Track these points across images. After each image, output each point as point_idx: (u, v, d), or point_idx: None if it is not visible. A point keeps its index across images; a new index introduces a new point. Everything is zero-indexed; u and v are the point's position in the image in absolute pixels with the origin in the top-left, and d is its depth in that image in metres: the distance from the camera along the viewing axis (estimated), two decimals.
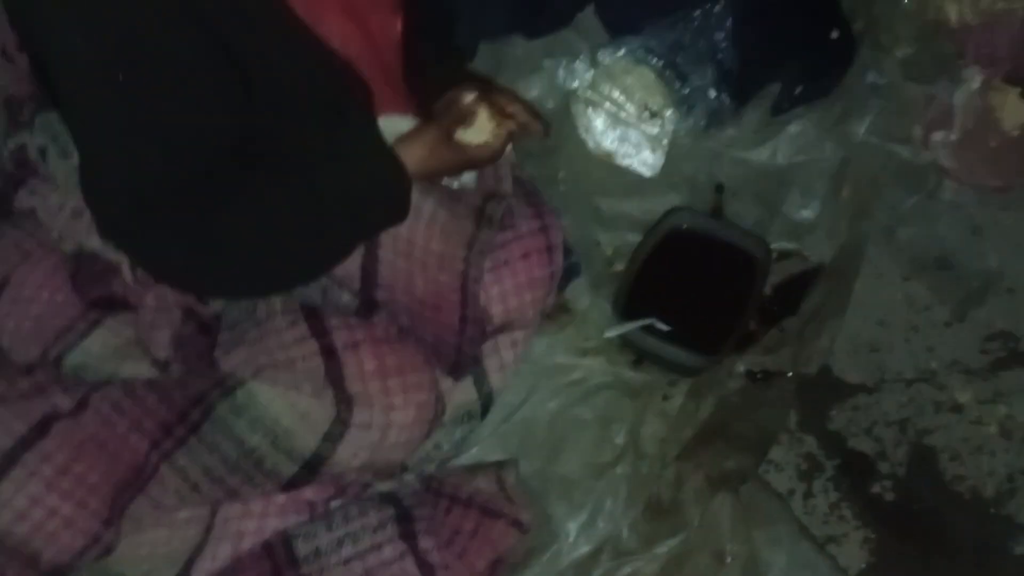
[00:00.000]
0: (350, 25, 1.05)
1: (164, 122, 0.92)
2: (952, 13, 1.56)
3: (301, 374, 1.12)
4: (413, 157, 1.08)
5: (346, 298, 1.13)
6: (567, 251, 1.35)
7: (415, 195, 1.11)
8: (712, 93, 1.55)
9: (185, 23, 0.87)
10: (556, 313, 1.44)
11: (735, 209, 1.57)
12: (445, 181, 1.20)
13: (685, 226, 1.49)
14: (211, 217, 0.98)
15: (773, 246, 1.53)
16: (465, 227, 1.18)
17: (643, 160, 1.55)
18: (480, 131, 1.11)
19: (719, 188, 1.59)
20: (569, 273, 1.40)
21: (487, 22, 1.56)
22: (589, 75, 1.59)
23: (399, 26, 1.13)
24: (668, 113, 1.56)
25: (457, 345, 1.19)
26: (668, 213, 1.50)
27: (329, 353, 1.13)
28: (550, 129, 1.22)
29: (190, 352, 1.18)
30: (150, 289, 1.16)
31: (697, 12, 1.52)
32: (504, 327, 1.29)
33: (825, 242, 1.52)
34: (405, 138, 1.09)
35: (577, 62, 1.59)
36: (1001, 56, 1.51)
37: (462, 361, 1.20)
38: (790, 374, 1.41)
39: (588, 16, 1.67)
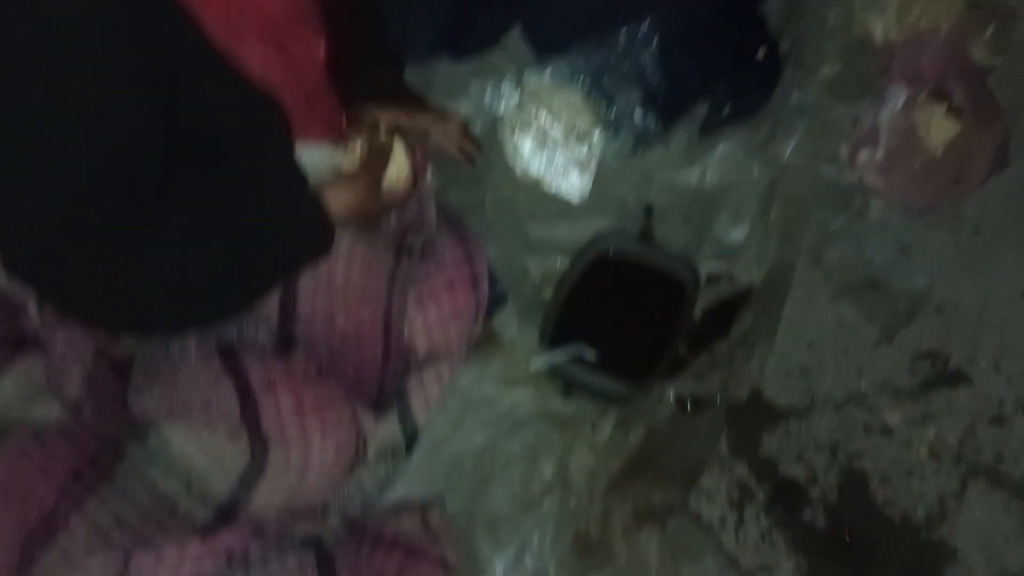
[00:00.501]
0: (271, 51, 0.98)
1: (76, 149, 0.82)
2: (877, 31, 1.56)
3: (216, 414, 1.07)
4: (340, 204, 1.03)
5: (263, 335, 1.09)
6: (492, 280, 1.33)
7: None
8: (639, 114, 1.53)
9: (105, 44, 0.79)
10: (483, 343, 1.41)
11: (664, 232, 1.55)
12: None
13: (612, 251, 1.47)
14: (125, 252, 0.89)
15: (702, 269, 1.51)
16: (386, 260, 1.16)
17: (571, 184, 1.53)
18: (399, 166, 1.08)
19: (648, 211, 1.56)
20: (495, 302, 1.38)
21: (413, 41, 1.52)
22: (516, 97, 1.56)
23: (322, 49, 1.07)
24: (595, 135, 1.54)
25: (380, 380, 1.15)
26: (595, 238, 1.48)
27: (245, 392, 1.08)
28: (481, 152, 1.21)
29: (102, 393, 1.13)
30: (60, 328, 1.10)
31: (623, 33, 1.50)
32: (429, 360, 1.26)
33: (754, 265, 1.50)
34: (334, 185, 1.04)
35: (504, 84, 1.57)
36: (925, 73, 1.51)
37: (385, 397, 1.16)
38: (721, 400, 1.39)
39: (515, 37, 1.65)
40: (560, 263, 1.51)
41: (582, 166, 1.52)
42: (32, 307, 1.09)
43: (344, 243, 1.12)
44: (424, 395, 1.26)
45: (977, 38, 1.55)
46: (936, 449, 1.38)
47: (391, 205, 1.12)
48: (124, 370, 1.13)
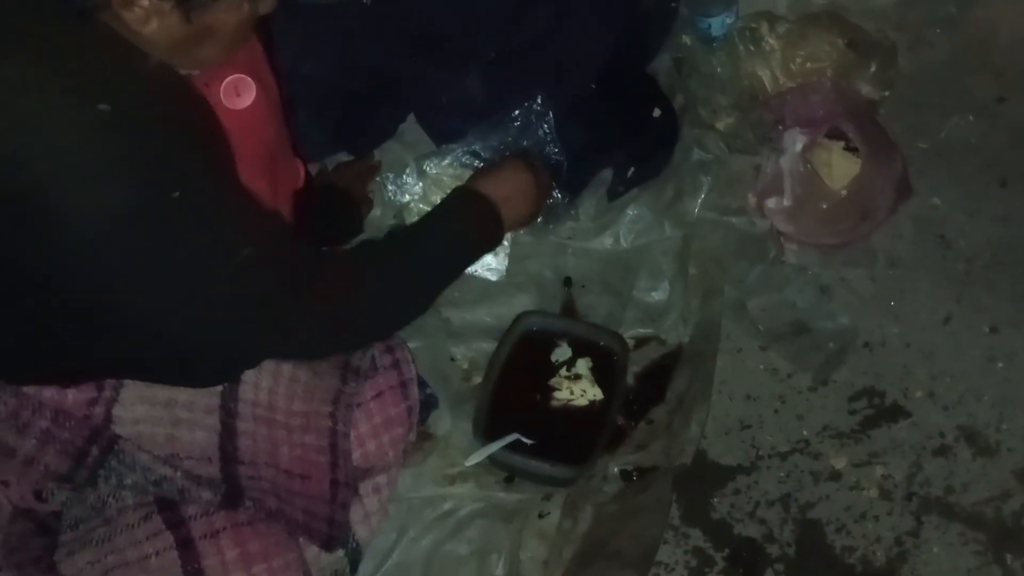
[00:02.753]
0: (267, 177, 1.03)
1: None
2: (766, 81, 1.59)
3: (155, 571, 1.02)
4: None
5: (207, 495, 1.03)
6: (422, 383, 1.29)
7: (272, 362, 1.08)
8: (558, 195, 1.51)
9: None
10: (418, 442, 1.35)
11: (587, 302, 1.53)
12: None
13: (536, 329, 1.44)
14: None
15: (629, 333, 1.50)
16: (330, 384, 1.16)
17: (486, 265, 1.50)
18: None
19: (567, 282, 1.55)
20: (427, 405, 1.34)
21: (312, 142, 1.49)
22: (419, 187, 1.53)
23: (302, 174, 1.17)
24: None
25: (329, 516, 1.13)
26: (517, 319, 1.45)
27: (186, 544, 1.03)
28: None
29: (24, 557, 1.05)
30: None
31: (517, 112, 1.49)
32: (365, 474, 1.21)
33: (680, 323, 1.49)
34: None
35: (405, 175, 1.54)
36: (817, 117, 1.54)
37: (335, 534, 1.13)
38: (665, 467, 1.35)
39: (412, 126, 1.64)
40: (485, 346, 1.48)
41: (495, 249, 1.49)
42: None
43: (286, 370, 1.12)
44: (363, 510, 1.23)
45: (862, 75, 1.59)
46: (886, 488, 1.36)
47: None
48: (51, 531, 1.07)
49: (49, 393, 0.96)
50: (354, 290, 1.03)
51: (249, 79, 0.94)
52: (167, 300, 0.86)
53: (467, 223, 1.16)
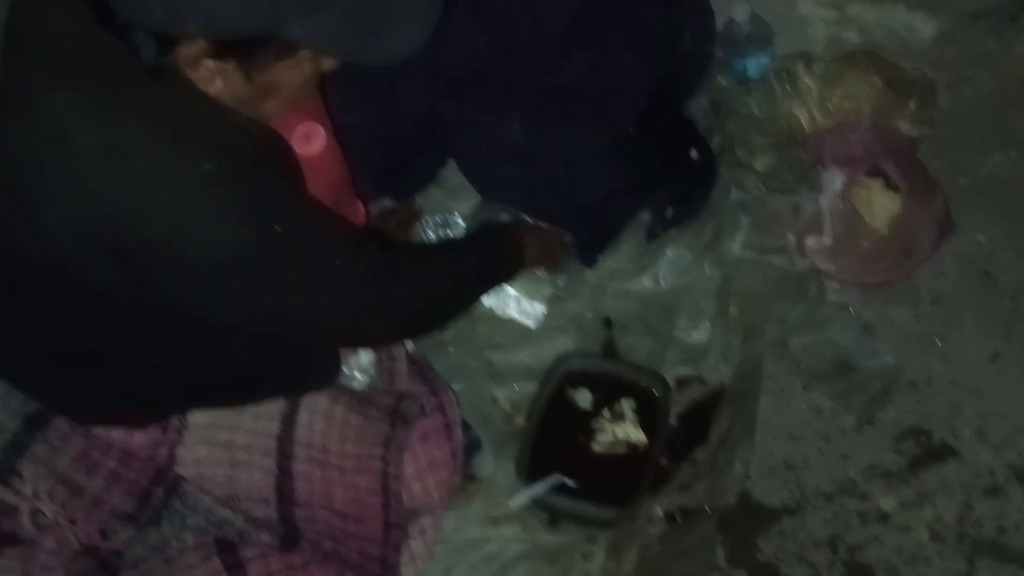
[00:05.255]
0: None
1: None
2: (803, 120, 1.65)
3: None
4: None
5: (265, 537, 1.11)
6: (465, 425, 1.35)
7: (326, 400, 1.20)
8: (584, 230, 1.58)
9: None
10: (462, 484, 1.41)
11: (627, 342, 1.59)
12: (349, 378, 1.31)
13: (578, 371, 1.49)
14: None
15: (671, 374, 1.55)
16: (381, 428, 1.25)
17: (524, 310, 1.57)
18: None
19: (607, 323, 1.61)
20: (471, 447, 1.40)
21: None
22: (459, 231, 1.61)
23: (362, 211, 1.37)
24: None
25: (382, 558, 1.20)
26: (558, 360, 1.50)
27: None
28: None
29: None
30: (48, 532, 1.12)
31: (555, 155, 1.56)
32: (411, 516, 1.27)
33: (722, 363, 1.54)
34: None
35: (446, 219, 1.62)
36: (857, 155, 1.59)
37: (388, 572, 1.20)
38: (710, 509, 1.39)
39: (452, 172, 1.71)
40: (527, 388, 1.54)
41: (533, 293, 1.55)
42: (24, 511, 1.12)
43: (338, 414, 1.20)
44: (409, 552, 1.28)
45: (901, 114, 1.64)
46: (936, 530, 1.39)
47: None
48: (112, 569, 1.16)
49: (117, 434, 1.04)
50: (420, 278, 1.18)
51: (319, 126, 1.03)
52: (284, 309, 1.01)
53: (498, 243, 1.39)
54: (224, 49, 0.86)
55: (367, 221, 1.37)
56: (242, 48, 0.87)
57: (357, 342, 1.21)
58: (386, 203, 1.68)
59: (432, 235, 1.64)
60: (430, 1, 0.94)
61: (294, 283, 0.99)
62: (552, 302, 1.60)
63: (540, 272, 1.56)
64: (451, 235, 1.64)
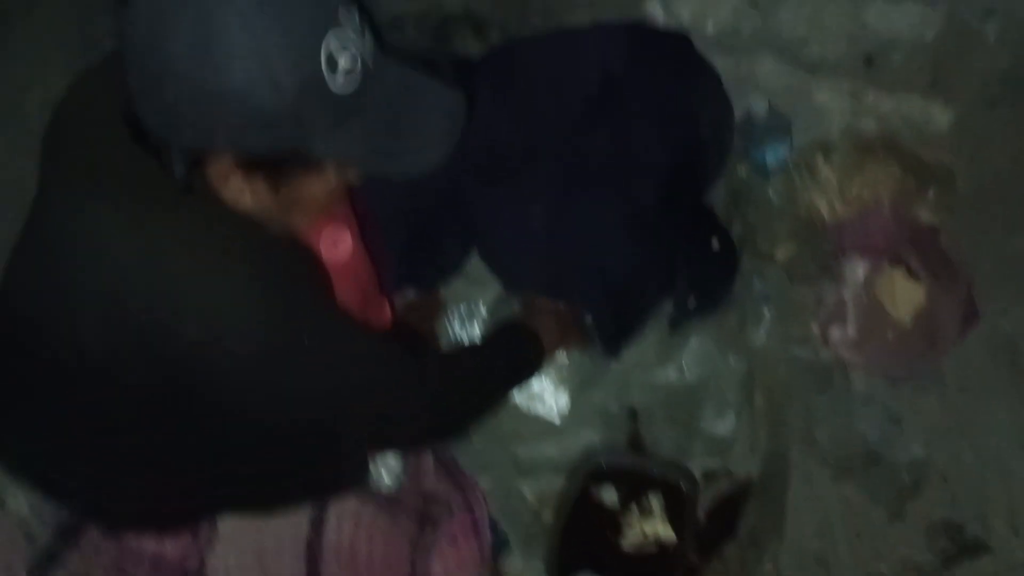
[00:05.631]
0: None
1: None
2: (823, 210, 1.66)
3: None
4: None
5: None
6: (493, 524, 1.35)
7: (355, 502, 1.21)
8: (606, 321, 1.59)
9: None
10: None
11: (653, 434, 1.59)
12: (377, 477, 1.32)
13: (604, 467, 1.49)
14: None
15: (698, 466, 1.55)
16: (408, 529, 1.26)
17: (548, 406, 1.58)
18: None
19: (633, 415, 1.61)
20: (499, 546, 1.40)
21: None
22: (483, 322, 1.63)
23: (388, 311, 1.40)
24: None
25: None
26: (585, 455, 1.51)
27: None
28: None
29: None
30: None
31: (577, 245, 1.58)
32: None
33: (749, 455, 1.54)
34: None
35: (470, 310, 1.64)
36: (878, 244, 1.60)
37: None
38: None
39: (476, 262, 1.74)
40: (554, 481, 1.54)
41: (557, 384, 1.56)
42: None
43: (366, 517, 1.22)
44: None
45: (921, 201, 1.66)
46: None
47: None
48: None
49: (148, 543, 1.05)
50: (446, 384, 1.19)
51: (346, 231, 1.06)
52: (313, 413, 1.03)
53: (518, 341, 1.38)
54: (252, 164, 0.90)
55: (393, 315, 1.40)
56: (269, 163, 0.90)
57: (386, 446, 1.23)
58: (411, 294, 1.71)
59: (457, 326, 1.66)
60: (453, 116, 0.98)
61: (323, 388, 1.00)
62: (577, 392, 1.60)
63: (563, 358, 1.58)
64: (476, 326, 1.66)
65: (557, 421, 1.57)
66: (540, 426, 1.59)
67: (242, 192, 0.92)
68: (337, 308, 1.05)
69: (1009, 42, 1.79)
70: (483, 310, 1.65)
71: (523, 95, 1.71)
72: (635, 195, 1.65)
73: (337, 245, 1.11)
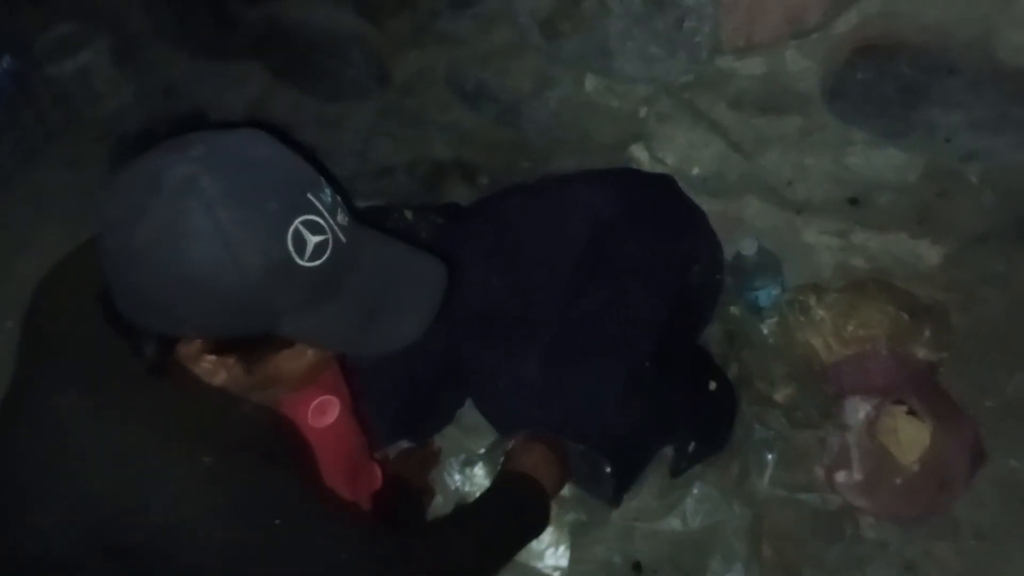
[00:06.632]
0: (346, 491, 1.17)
1: None
2: (820, 350, 1.64)
3: None
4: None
5: None
6: None
7: None
8: (606, 471, 1.54)
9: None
10: None
11: None
12: None
13: None
14: None
15: None
16: None
17: (546, 563, 1.52)
18: None
19: (637, 567, 1.54)
20: None
21: (374, 431, 1.56)
22: (480, 472, 1.58)
23: (379, 477, 1.32)
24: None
25: None
26: None
27: None
28: None
29: None
30: None
31: (571, 399, 1.56)
32: None
33: None
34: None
35: (464, 461, 1.60)
36: (878, 384, 1.58)
37: None
38: None
39: (469, 411, 1.71)
40: None
41: (555, 541, 1.50)
42: None
43: None
44: None
45: (917, 340, 1.64)
46: None
47: None
48: None
49: None
50: (436, 563, 1.13)
51: (334, 399, 1.04)
52: None
53: (523, 498, 1.33)
54: (223, 346, 0.89)
55: (386, 473, 1.34)
56: (241, 345, 0.89)
57: None
58: (404, 445, 1.67)
59: (457, 477, 1.61)
60: (434, 287, 0.97)
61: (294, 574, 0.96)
62: (576, 546, 1.54)
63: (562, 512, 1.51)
64: (477, 473, 1.61)
65: None
66: None
67: (216, 371, 0.91)
68: (316, 488, 1.01)
69: (992, 183, 1.81)
70: (480, 460, 1.61)
71: (514, 257, 1.73)
72: (631, 352, 1.65)
73: (323, 413, 1.08)
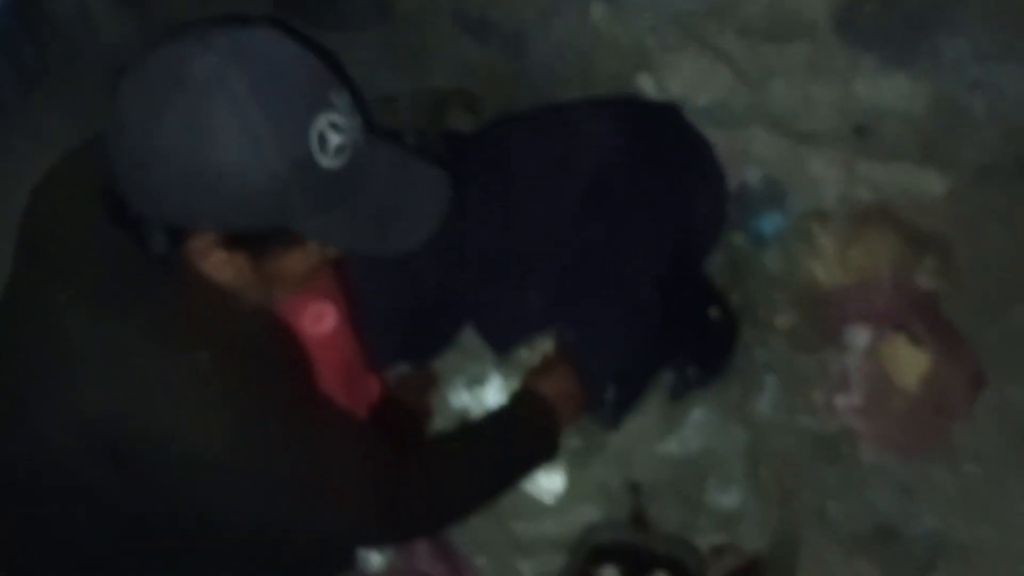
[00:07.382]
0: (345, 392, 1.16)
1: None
2: (822, 278, 1.64)
3: None
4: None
5: None
6: None
7: None
8: (606, 392, 1.54)
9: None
10: None
11: (657, 508, 1.52)
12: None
13: (607, 545, 1.43)
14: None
15: (704, 541, 1.48)
16: None
17: (540, 487, 1.52)
18: None
19: (635, 489, 1.55)
20: None
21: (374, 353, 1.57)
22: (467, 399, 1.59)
23: (376, 386, 1.32)
24: None
25: None
26: (586, 533, 1.44)
27: None
28: None
29: None
30: None
31: (573, 322, 1.55)
32: None
33: (757, 530, 1.47)
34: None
35: (459, 385, 1.60)
36: (880, 311, 1.58)
37: None
38: None
39: (469, 334, 1.70)
40: (556, 560, 1.47)
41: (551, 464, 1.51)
42: None
43: None
44: None
45: (920, 270, 1.64)
46: None
47: None
48: None
49: None
50: (432, 481, 1.13)
51: (331, 306, 1.03)
52: (283, 513, 0.98)
53: (535, 427, 1.30)
54: (234, 241, 0.88)
55: (384, 390, 1.34)
56: (252, 240, 0.89)
57: (367, 544, 1.16)
58: (404, 368, 1.67)
59: (465, 396, 1.61)
60: (440, 196, 0.97)
61: (292, 486, 0.96)
62: (575, 467, 1.55)
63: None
64: (487, 390, 1.61)
65: (551, 501, 1.52)
66: (538, 504, 1.53)
67: (222, 266, 0.90)
68: (313, 394, 1.01)
69: (997, 116, 1.79)
70: (494, 373, 1.61)
71: (516, 192, 1.70)
72: (634, 288, 1.63)
73: (321, 320, 1.07)
